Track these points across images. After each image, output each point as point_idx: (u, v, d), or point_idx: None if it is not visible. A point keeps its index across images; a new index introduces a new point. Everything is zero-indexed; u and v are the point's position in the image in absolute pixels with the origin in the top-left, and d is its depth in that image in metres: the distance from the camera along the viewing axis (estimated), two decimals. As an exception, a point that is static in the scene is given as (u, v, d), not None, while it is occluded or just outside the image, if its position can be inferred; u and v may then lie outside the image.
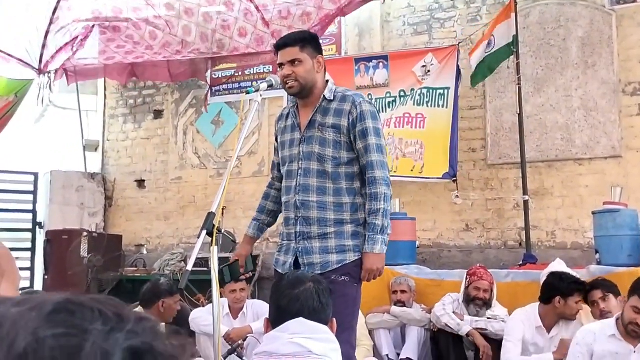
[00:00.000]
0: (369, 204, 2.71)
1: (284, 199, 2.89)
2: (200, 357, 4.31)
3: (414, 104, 6.18)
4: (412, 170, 6.11)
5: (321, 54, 2.86)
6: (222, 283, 2.89)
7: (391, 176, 6.09)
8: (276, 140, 3.02)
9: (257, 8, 5.48)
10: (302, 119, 2.84)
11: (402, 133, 6.15)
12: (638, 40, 5.86)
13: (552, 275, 3.99)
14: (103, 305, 0.49)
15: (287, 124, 2.91)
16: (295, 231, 2.79)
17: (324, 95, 2.79)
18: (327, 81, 2.87)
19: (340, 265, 2.69)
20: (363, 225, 2.75)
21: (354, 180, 2.77)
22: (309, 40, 2.83)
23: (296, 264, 2.79)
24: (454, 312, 4.40)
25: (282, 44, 2.82)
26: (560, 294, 3.76)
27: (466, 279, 4.53)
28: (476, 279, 4.43)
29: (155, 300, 4.32)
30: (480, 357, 4.21)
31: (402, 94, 6.29)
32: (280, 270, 2.84)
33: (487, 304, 4.40)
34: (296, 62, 2.75)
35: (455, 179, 6.00)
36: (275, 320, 1.84)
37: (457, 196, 6.01)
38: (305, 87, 2.78)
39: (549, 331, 3.84)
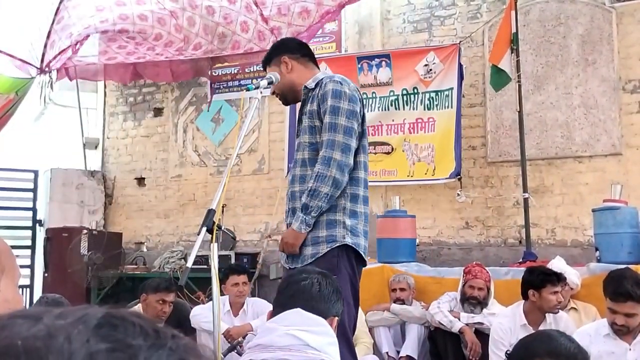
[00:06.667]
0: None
1: None
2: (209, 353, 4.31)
3: (424, 109, 6.22)
4: (425, 174, 6.18)
5: (287, 52, 2.87)
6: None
7: (408, 181, 6.09)
8: None
9: (255, 4, 5.48)
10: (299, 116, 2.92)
11: (417, 139, 6.24)
12: (638, 38, 5.86)
13: (526, 270, 4.00)
14: (142, 320, 0.50)
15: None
16: (287, 223, 2.80)
17: (305, 86, 2.81)
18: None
19: (314, 259, 2.63)
20: (342, 211, 2.68)
21: None
22: (272, 53, 2.90)
23: None
24: (451, 311, 4.41)
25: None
26: (532, 287, 3.76)
27: (463, 277, 4.53)
28: (471, 277, 4.43)
29: (140, 292, 4.38)
30: (468, 352, 4.22)
31: (405, 92, 6.31)
32: (284, 264, 2.81)
33: (482, 303, 4.40)
34: None
35: (460, 177, 6.03)
36: (274, 304, 1.83)
37: (458, 194, 6.02)
38: (284, 93, 2.89)
39: (535, 328, 3.80)
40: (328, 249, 2.62)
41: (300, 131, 2.80)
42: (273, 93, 2.92)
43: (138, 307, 4.38)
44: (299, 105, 2.97)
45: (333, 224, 2.65)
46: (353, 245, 2.65)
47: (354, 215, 2.69)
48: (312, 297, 1.79)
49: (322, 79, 2.78)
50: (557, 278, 3.75)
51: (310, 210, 2.59)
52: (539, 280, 3.72)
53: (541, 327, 3.80)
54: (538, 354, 1.88)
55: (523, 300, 3.85)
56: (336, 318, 1.88)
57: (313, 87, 2.78)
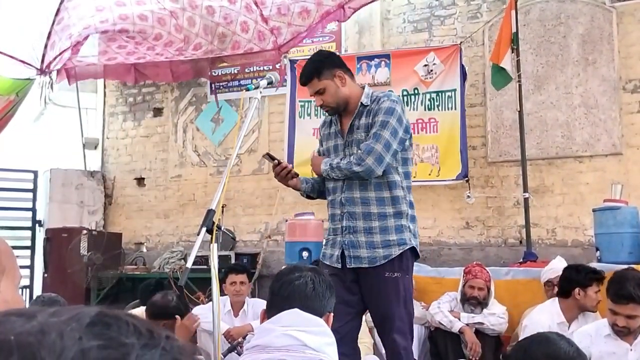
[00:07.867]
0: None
1: (329, 198, 3.07)
2: (201, 354, 4.30)
3: (425, 109, 6.22)
4: (429, 174, 6.16)
5: (339, 67, 3.00)
6: (272, 158, 3.05)
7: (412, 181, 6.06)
8: (321, 144, 3.24)
9: (255, 4, 5.47)
10: (343, 126, 3.05)
11: (417, 139, 6.21)
12: (638, 37, 5.85)
13: (568, 268, 3.94)
14: (135, 320, 0.50)
15: (331, 131, 3.12)
16: (341, 226, 2.98)
17: (362, 102, 2.98)
18: (364, 87, 3.05)
19: (387, 260, 2.86)
20: (406, 217, 2.93)
21: (392, 173, 2.93)
22: (323, 65, 2.98)
23: (342, 257, 2.95)
24: (451, 311, 4.40)
25: (303, 81, 3.03)
26: (579, 286, 3.72)
27: (463, 277, 4.52)
28: (471, 277, 4.43)
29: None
30: (469, 352, 4.22)
31: (405, 93, 6.30)
32: (327, 263, 3.01)
33: (483, 303, 4.39)
34: (320, 91, 2.96)
35: (467, 178, 6.02)
36: (268, 306, 1.80)
37: (468, 196, 6.02)
38: (339, 106, 3.01)
39: (568, 327, 3.78)
40: (401, 251, 2.88)
41: (353, 142, 2.98)
42: (321, 106, 3.01)
43: (138, 310, 4.36)
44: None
45: (400, 228, 2.91)
46: (416, 247, 2.96)
47: (413, 220, 2.99)
48: (307, 297, 1.77)
49: (373, 94, 3.00)
50: (602, 277, 3.74)
51: (331, 172, 2.94)
52: (587, 279, 3.71)
53: (573, 325, 3.76)
54: (536, 357, 1.86)
55: (557, 298, 3.81)
56: (331, 314, 1.86)
57: (368, 103, 2.97)
